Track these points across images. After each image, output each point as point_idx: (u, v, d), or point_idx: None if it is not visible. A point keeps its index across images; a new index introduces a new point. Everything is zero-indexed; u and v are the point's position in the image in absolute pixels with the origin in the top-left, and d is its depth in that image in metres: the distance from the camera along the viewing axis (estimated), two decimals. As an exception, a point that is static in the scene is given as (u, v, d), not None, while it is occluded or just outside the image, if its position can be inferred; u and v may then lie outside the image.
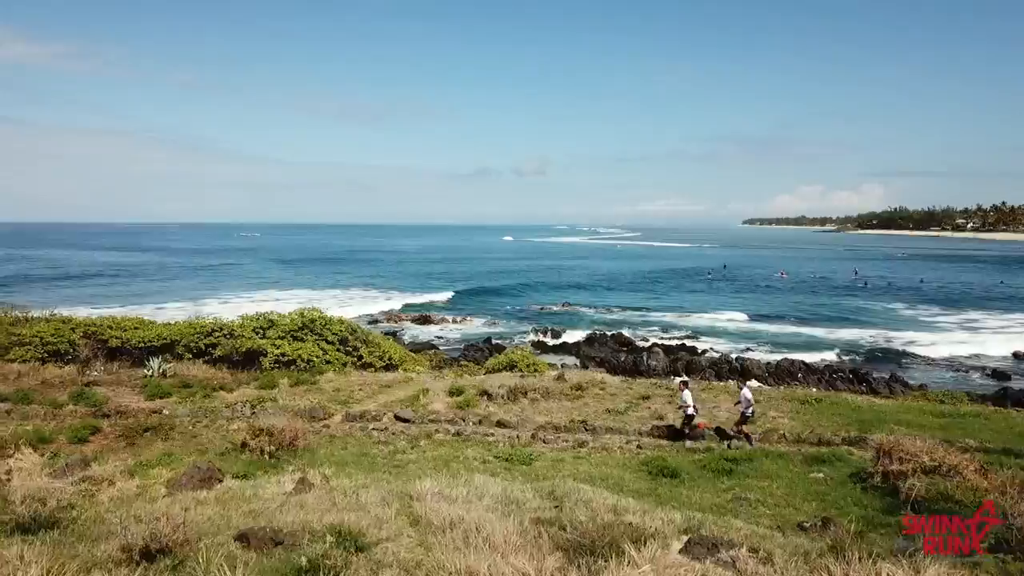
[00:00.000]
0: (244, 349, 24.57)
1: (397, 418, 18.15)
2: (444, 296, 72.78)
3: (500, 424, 17.59)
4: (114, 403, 19.75)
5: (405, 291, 76.39)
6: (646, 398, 20.70)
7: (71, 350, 24.86)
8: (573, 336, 49.87)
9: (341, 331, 26.66)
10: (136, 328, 25.95)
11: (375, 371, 25.48)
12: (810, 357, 38.03)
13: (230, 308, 56.32)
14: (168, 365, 24.00)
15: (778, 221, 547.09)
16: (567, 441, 16.23)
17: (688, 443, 16.30)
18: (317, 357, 24.76)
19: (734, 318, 59.70)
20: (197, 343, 25.44)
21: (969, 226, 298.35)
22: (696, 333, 51.49)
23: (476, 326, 56.07)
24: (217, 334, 25.74)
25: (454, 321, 58.11)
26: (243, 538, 8.73)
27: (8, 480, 12.18)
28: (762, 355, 40.06)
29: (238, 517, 10.16)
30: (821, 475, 13.57)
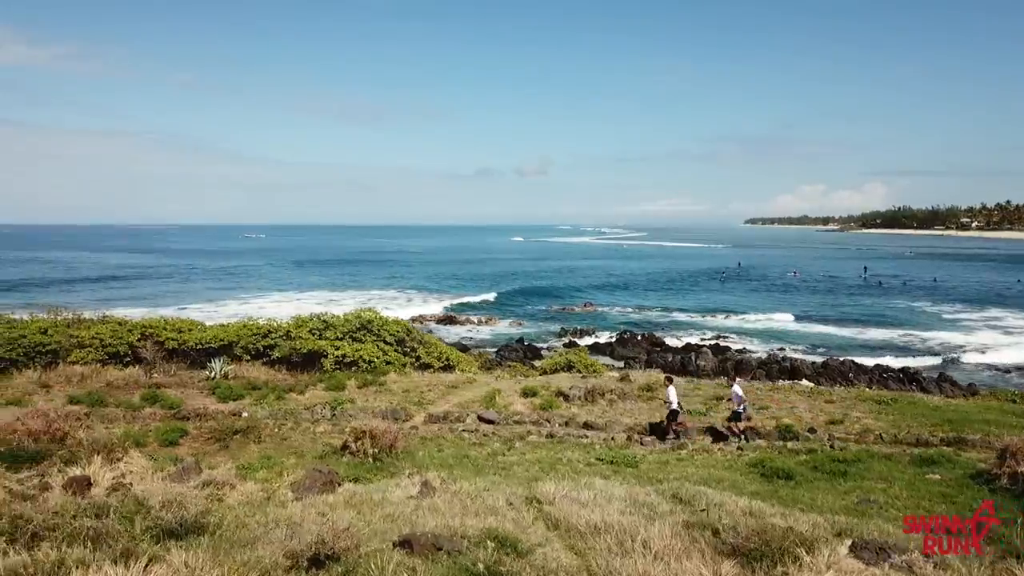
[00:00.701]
0: (305, 351, 24.39)
1: (481, 419, 17.99)
2: (481, 297, 71.95)
3: (587, 426, 17.43)
4: (189, 405, 19.59)
5: (431, 293, 76.12)
6: (719, 399, 20.54)
7: (129, 352, 24.71)
8: (602, 337, 49.78)
9: (398, 332, 26.52)
10: (192, 330, 25.81)
11: (434, 372, 25.33)
12: (850, 357, 37.84)
13: (250, 309, 56.18)
14: (229, 367, 23.85)
15: (780, 221, 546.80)
16: (661, 443, 16.04)
17: (669, 440, 16.52)
18: (377, 358, 24.60)
19: (759, 318, 59.58)
20: (255, 344, 25.28)
21: (974, 225, 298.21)
22: (724, 333, 51.37)
23: (502, 327, 55.91)
24: (274, 335, 25.58)
25: (479, 322, 57.92)
26: (406, 544, 8.59)
27: (129, 484, 11.99)
28: (799, 355, 39.93)
29: (378, 522, 10.01)
30: (937, 476, 13.41)
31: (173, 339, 25.30)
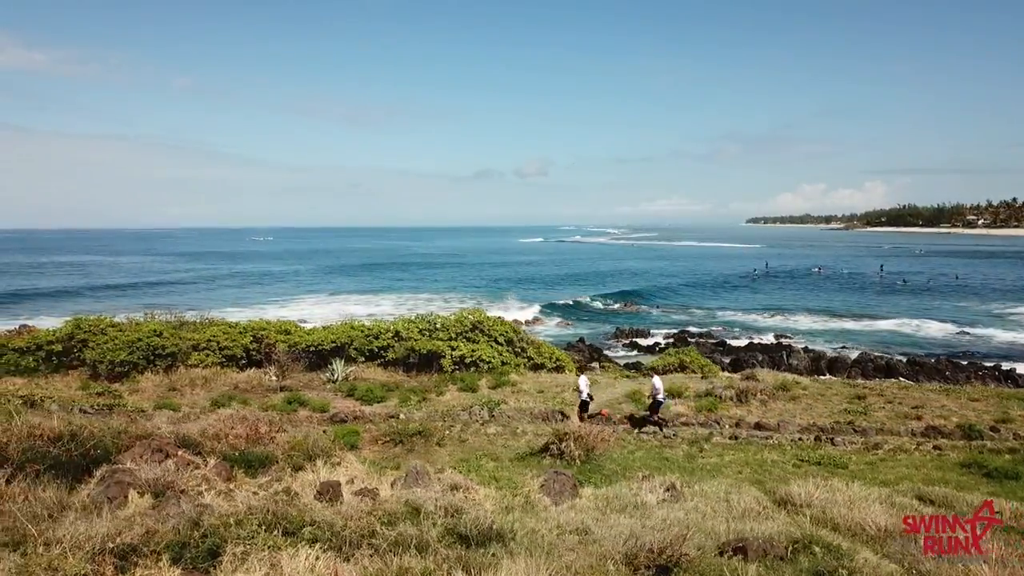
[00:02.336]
0: (424, 351, 24.13)
1: (646, 420, 17.73)
2: (521, 297, 71.66)
3: (759, 427, 17.20)
4: (337, 408, 19.35)
5: (466, 294, 75.65)
6: (861, 398, 20.31)
7: (244, 355, 24.45)
8: (657, 336, 49.61)
9: (506, 332, 26.27)
10: (294, 332, 25.57)
11: (548, 372, 25.10)
12: (922, 353, 37.68)
13: (290, 313, 55.70)
14: (350, 369, 23.60)
15: (782, 220, 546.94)
16: (853, 443, 15.83)
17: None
18: (494, 359, 24.34)
19: (804, 316, 59.42)
20: (367, 346, 25.02)
21: (980, 223, 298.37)
22: (780, 332, 51.13)
23: (552, 327, 55.68)
24: (384, 336, 25.33)
25: (527, 323, 57.62)
26: (738, 550, 8.41)
27: (374, 489, 11.71)
28: (864, 352, 39.69)
29: (662, 526, 9.75)
30: None
31: (284, 341, 25.04)
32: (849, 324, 54.71)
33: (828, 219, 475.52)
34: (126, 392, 20.99)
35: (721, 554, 8.33)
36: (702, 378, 23.53)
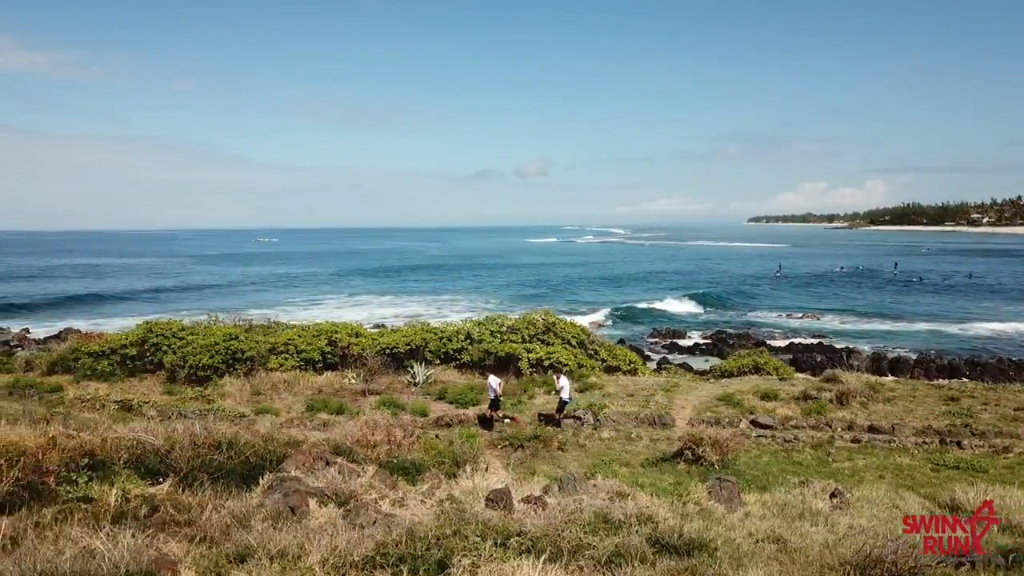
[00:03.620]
0: (502, 354, 23.98)
1: (755, 424, 17.61)
2: (548, 298, 71.16)
3: (874, 430, 17.05)
4: (436, 411, 19.22)
5: (489, 296, 75.02)
6: (954, 399, 20.15)
7: (320, 358, 24.29)
8: (694, 337, 49.48)
9: (578, 334, 26.15)
10: (378, 335, 25.44)
11: (623, 374, 24.95)
12: (966, 352, 37.51)
13: (320, 315, 55.15)
14: (429, 371, 23.44)
15: (784, 219, 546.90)
16: (979, 447, 15.71)
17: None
18: (570, 361, 24.18)
19: (835, 316, 59.28)
20: (442, 348, 24.87)
21: (985, 220, 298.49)
22: (813, 332, 50.96)
23: (585, 327, 55.39)
24: (458, 339, 25.18)
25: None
26: (961, 562, 8.26)
27: (538, 497, 11.55)
28: (912, 353, 39.55)
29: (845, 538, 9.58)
30: None
31: (356, 344, 24.89)
32: (882, 325, 54.49)
33: (831, 218, 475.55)
34: (215, 396, 20.81)
35: (947, 564, 8.18)
36: (781, 380, 23.37)
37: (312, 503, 9.95)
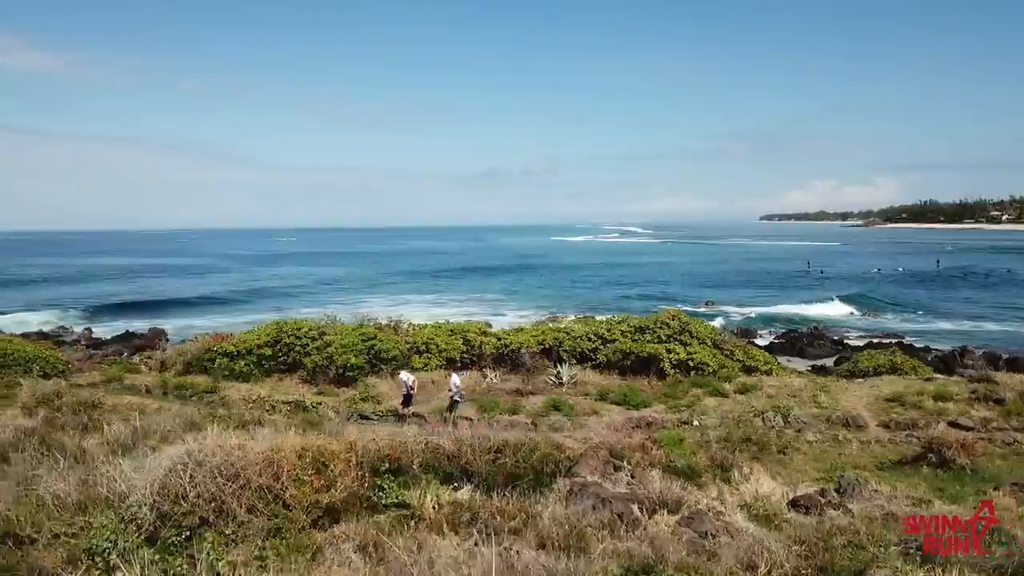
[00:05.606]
0: (645, 354, 23.62)
1: (955, 425, 17.16)
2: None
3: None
4: (611, 410, 18.87)
5: (525, 297, 74.28)
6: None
7: (457, 357, 23.99)
8: (764, 336, 49.03)
9: (711, 334, 25.76)
10: (508, 334, 25.14)
11: (760, 374, 24.53)
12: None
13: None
14: (573, 371, 23.11)
15: (797, 216, 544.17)
16: None
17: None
18: (712, 362, 23.81)
19: (893, 315, 58.77)
20: (577, 348, 24.54)
21: (1004, 218, 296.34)
22: (879, 332, 50.45)
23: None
24: (594, 339, 24.85)
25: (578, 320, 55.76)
26: None
27: (845, 505, 11.15)
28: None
29: None
30: None
31: (487, 343, 24.59)
32: (947, 324, 53.89)
33: (845, 215, 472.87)
34: (369, 396, 20.48)
35: None
36: (925, 380, 22.90)
37: (634, 509, 9.58)
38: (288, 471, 8.73)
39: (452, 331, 24.85)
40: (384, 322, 26.85)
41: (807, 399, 20.41)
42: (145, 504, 7.84)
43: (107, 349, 34.29)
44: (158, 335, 37.63)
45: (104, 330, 48.23)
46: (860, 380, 24.06)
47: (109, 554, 7.27)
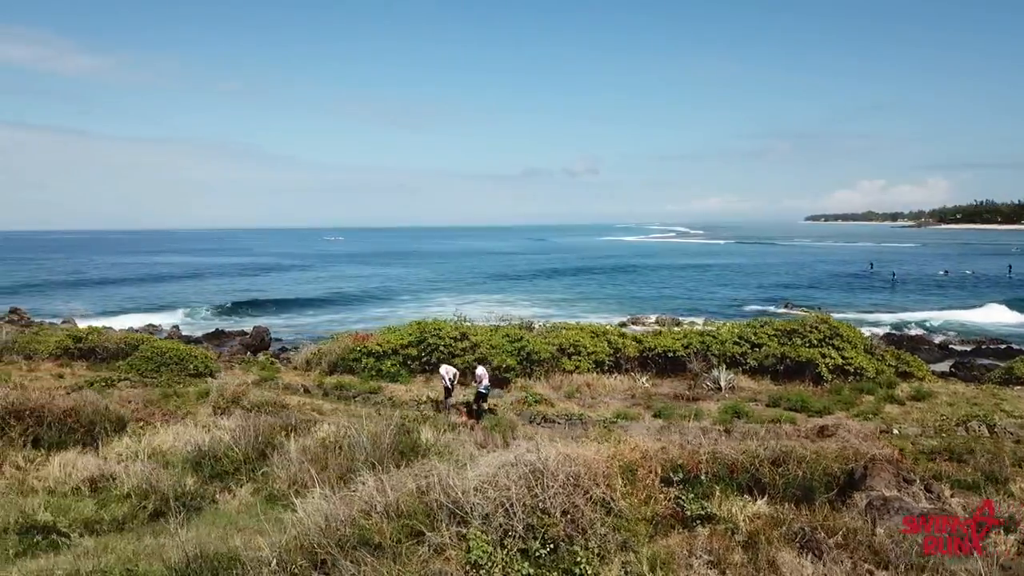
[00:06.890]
0: (803, 359, 22.90)
1: None
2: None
3: None
4: (802, 420, 18.25)
5: (601, 301, 73.56)
6: None
7: (606, 359, 23.58)
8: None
9: (862, 339, 24.91)
10: (652, 337, 24.66)
11: (917, 380, 23.63)
12: None
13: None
14: (730, 376, 22.52)
15: (844, 217, 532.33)
16: None
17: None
18: (870, 367, 22.97)
19: (992, 318, 56.74)
20: (727, 352, 23.92)
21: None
22: (987, 336, 48.66)
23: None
24: (741, 343, 24.21)
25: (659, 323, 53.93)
26: None
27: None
28: None
29: None
30: None
31: (632, 346, 24.13)
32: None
33: (895, 216, 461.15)
34: (540, 400, 20.14)
35: None
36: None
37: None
38: (613, 482, 8.47)
39: (595, 333, 24.44)
40: (516, 323, 26.58)
41: (989, 408, 19.52)
42: (499, 514, 7.58)
43: (221, 348, 34.68)
44: (262, 333, 37.96)
45: (191, 328, 48.49)
46: (1020, 387, 23.10)
47: (492, 569, 7.02)
